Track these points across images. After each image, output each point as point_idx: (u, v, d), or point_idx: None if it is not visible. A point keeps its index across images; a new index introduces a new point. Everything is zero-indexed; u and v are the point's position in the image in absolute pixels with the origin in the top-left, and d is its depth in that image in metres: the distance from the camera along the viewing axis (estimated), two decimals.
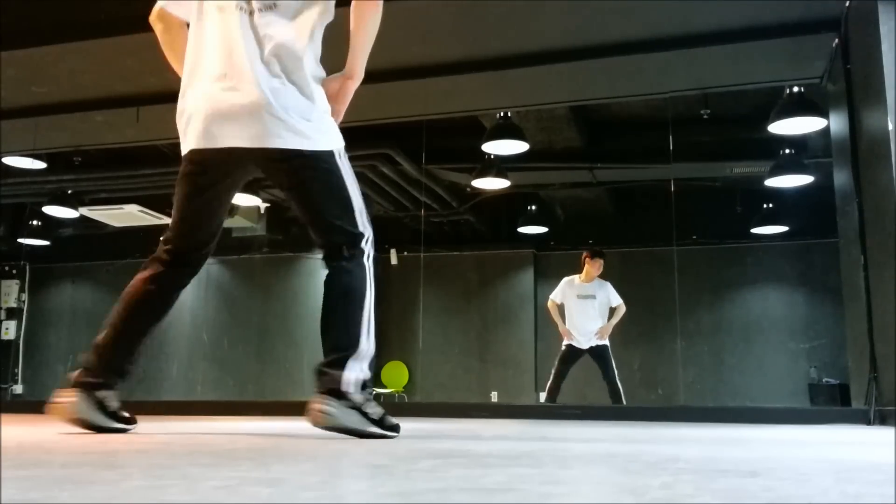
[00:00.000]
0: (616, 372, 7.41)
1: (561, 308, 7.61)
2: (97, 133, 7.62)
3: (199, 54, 2.55)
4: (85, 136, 7.74)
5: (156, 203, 9.54)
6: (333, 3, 2.60)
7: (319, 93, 2.55)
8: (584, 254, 7.63)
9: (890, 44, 4.37)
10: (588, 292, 7.56)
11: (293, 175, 2.56)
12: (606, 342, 7.48)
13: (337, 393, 2.37)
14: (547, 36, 5.85)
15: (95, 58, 6.10)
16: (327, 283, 2.57)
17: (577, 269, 7.73)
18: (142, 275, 2.65)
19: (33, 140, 7.60)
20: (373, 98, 6.25)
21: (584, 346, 7.45)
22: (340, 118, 2.63)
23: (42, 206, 9.29)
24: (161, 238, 2.68)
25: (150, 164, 8.45)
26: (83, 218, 9.66)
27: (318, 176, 2.54)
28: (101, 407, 2.51)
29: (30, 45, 5.95)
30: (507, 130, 7.31)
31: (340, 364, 2.43)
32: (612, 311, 7.54)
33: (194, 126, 2.51)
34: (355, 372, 2.44)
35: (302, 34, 2.50)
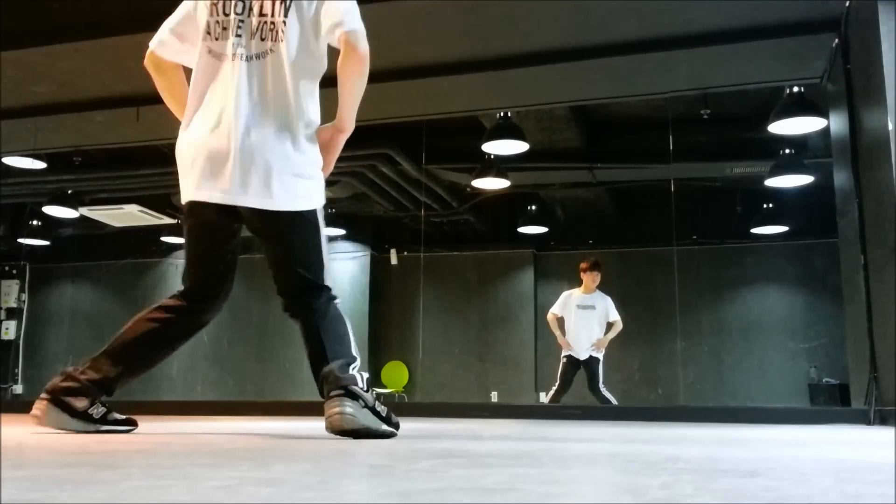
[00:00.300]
0: (602, 384, 7.40)
1: (561, 321, 7.61)
2: (97, 133, 7.62)
3: (196, 98, 2.57)
4: (85, 136, 7.74)
5: (156, 203, 9.55)
6: (326, 52, 2.62)
7: (313, 144, 2.58)
8: (582, 265, 7.62)
9: (890, 44, 4.37)
10: (588, 303, 7.55)
11: (277, 230, 2.59)
12: (600, 356, 7.47)
13: (352, 394, 2.40)
14: (547, 36, 5.85)
15: (95, 58, 6.10)
16: (306, 316, 2.60)
17: (577, 270, 7.73)
18: (148, 311, 2.68)
19: (33, 140, 7.60)
20: (373, 98, 6.24)
21: (583, 356, 7.45)
22: (330, 169, 2.67)
23: (42, 206, 9.29)
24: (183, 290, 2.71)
25: (150, 164, 8.45)
26: (83, 218, 9.66)
27: (301, 233, 2.59)
28: (71, 411, 2.51)
29: (30, 45, 5.95)
30: (506, 130, 7.31)
31: (344, 368, 2.47)
32: (610, 326, 7.51)
33: (192, 175, 2.53)
34: (357, 375, 2.48)
35: (298, 83, 2.52)
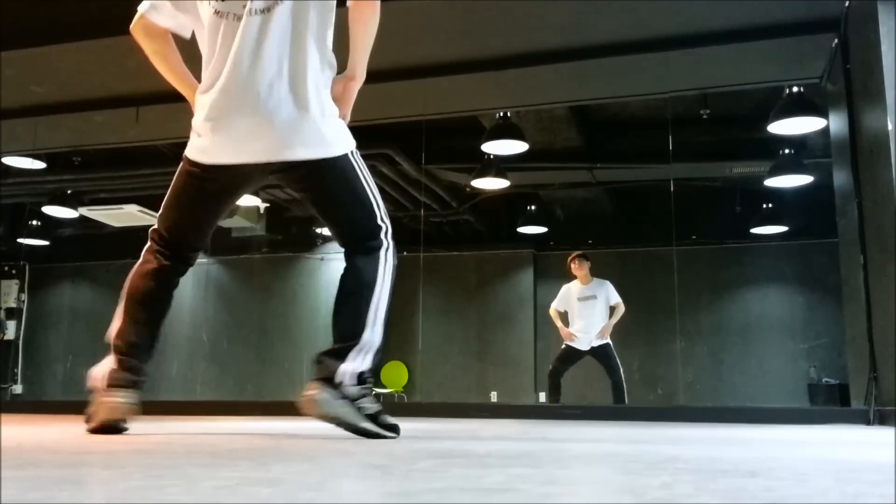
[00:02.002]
0: (621, 368, 7.43)
1: (564, 315, 7.66)
2: (97, 133, 7.62)
3: (210, 61, 2.53)
4: (85, 136, 7.74)
5: (156, 203, 9.49)
6: (334, 2, 2.60)
7: (328, 95, 2.55)
8: (569, 261, 7.68)
9: (889, 44, 4.37)
10: (588, 293, 7.59)
11: (313, 182, 2.58)
12: (607, 340, 7.51)
13: (330, 382, 2.37)
14: (547, 36, 5.85)
15: (95, 58, 6.11)
16: (341, 278, 2.58)
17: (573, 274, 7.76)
18: (142, 269, 2.67)
19: (33, 140, 7.60)
20: (373, 98, 6.24)
21: (585, 347, 7.48)
22: (347, 120, 2.64)
23: (41, 206, 9.29)
24: (153, 230, 2.69)
25: (149, 164, 8.45)
26: (83, 218, 9.66)
27: (337, 180, 2.57)
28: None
29: (30, 45, 5.95)
30: (506, 130, 7.31)
31: (340, 355, 2.42)
32: (612, 309, 7.57)
33: (208, 137, 2.50)
34: (354, 363, 2.41)
35: (309, 36, 2.49)
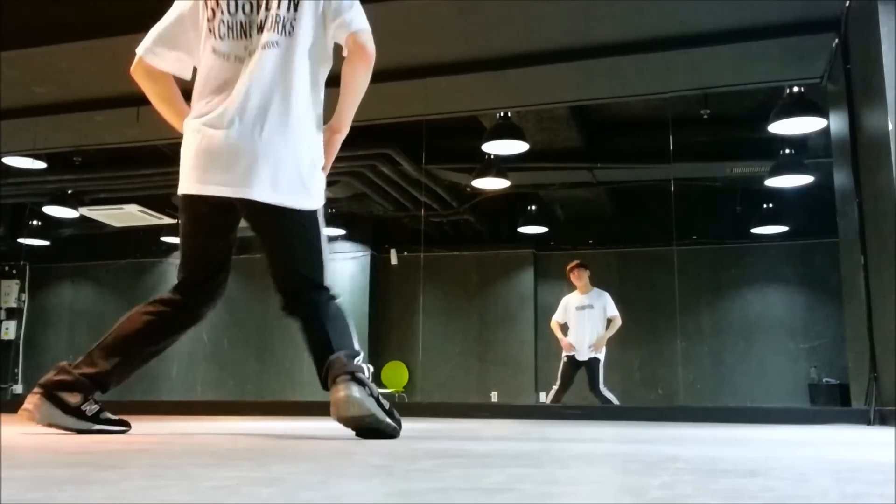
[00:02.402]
0: (602, 384, 7.44)
1: (564, 327, 7.70)
2: (97, 133, 7.62)
3: (201, 94, 2.55)
4: (85, 136, 7.74)
5: (155, 203, 9.54)
6: (332, 48, 2.61)
7: (318, 141, 2.57)
8: (567, 270, 7.71)
9: (890, 44, 4.37)
10: (586, 303, 7.62)
11: (279, 229, 2.57)
12: (599, 356, 7.50)
13: (359, 380, 2.37)
14: (547, 36, 5.85)
15: (95, 58, 6.10)
16: (306, 314, 2.58)
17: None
18: (155, 300, 2.68)
19: (33, 140, 7.60)
20: (373, 98, 6.25)
21: (583, 357, 7.49)
22: (328, 170, 2.64)
23: (42, 206, 9.29)
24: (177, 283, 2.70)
25: (150, 164, 8.45)
26: (83, 218, 9.66)
27: (303, 231, 2.56)
28: (64, 407, 2.51)
29: (30, 45, 5.95)
30: (506, 130, 7.31)
31: (352, 359, 2.44)
32: (609, 322, 7.56)
33: (200, 171, 2.51)
34: (367, 367, 2.46)
35: (306, 78, 2.51)
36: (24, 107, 6.95)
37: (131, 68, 2.66)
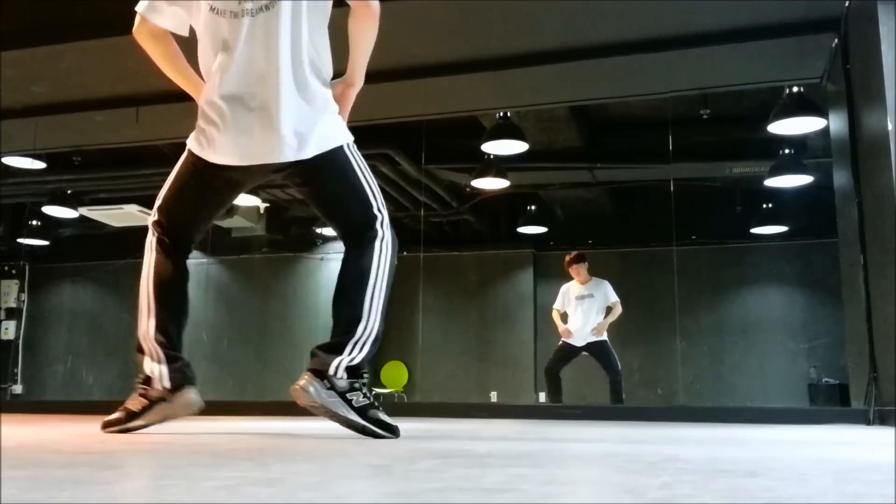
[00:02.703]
0: (619, 366, 7.48)
1: (565, 315, 7.75)
2: (97, 133, 7.62)
3: (208, 59, 2.55)
4: (85, 136, 7.74)
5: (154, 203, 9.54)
6: (330, 2, 2.60)
7: (329, 93, 2.58)
8: (566, 263, 7.76)
9: (889, 44, 4.37)
10: (586, 292, 7.68)
11: (312, 177, 2.59)
12: (604, 338, 7.55)
13: (320, 374, 2.41)
14: (547, 36, 5.85)
15: (95, 58, 6.10)
16: (340, 270, 2.60)
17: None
18: (159, 258, 2.68)
19: (33, 140, 7.60)
20: (372, 98, 6.22)
21: (580, 343, 7.55)
22: (345, 123, 2.66)
23: (42, 206, 9.29)
24: (154, 221, 2.69)
25: (149, 164, 8.45)
26: (83, 218, 9.66)
27: (336, 174, 2.59)
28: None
29: (30, 45, 5.95)
30: (506, 130, 7.31)
31: (334, 349, 2.45)
32: (609, 310, 7.63)
33: (214, 135, 2.51)
34: (348, 356, 2.45)
35: (308, 34, 2.49)
36: (24, 107, 6.95)
37: (133, 30, 2.63)
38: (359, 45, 2.56)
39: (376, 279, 2.53)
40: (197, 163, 2.58)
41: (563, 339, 7.66)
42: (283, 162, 2.49)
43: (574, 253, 7.81)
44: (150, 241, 2.69)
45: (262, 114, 2.45)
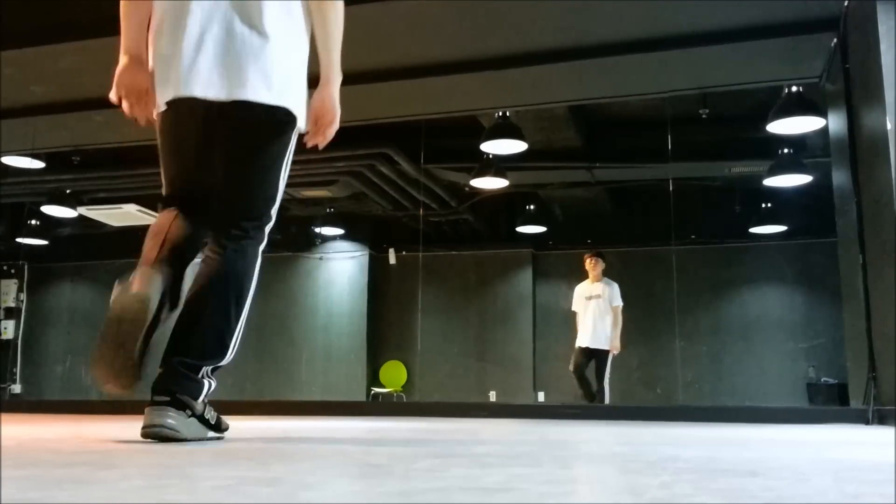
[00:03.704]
0: (608, 378, 7.56)
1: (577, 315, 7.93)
2: (96, 133, 7.62)
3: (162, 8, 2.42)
4: (84, 136, 7.74)
5: (154, 202, 9.53)
6: None
7: (299, 60, 2.38)
8: (585, 256, 7.89)
9: (888, 43, 4.38)
10: (594, 292, 7.84)
11: (256, 135, 2.33)
12: (607, 348, 7.63)
13: (179, 402, 2.12)
14: (546, 36, 5.85)
15: (95, 58, 6.09)
16: (215, 263, 2.31)
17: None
18: (166, 213, 2.48)
19: (32, 140, 7.59)
20: (372, 98, 6.24)
21: (591, 345, 7.63)
22: (336, 125, 2.45)
23: (41, 206, 9.30)
24: (163, 198, 2.52)
25: (148, 163, 8.34)
26: (82, 217, 9.66)
27: (272, 143, 2.35)
28: None
29: (30, 44, 5.95)
30: (505, 130, 7.32)
31: (199, 370, 2.21)
32: (614, 311, 7.73)
33: (169, 72, 2.36)
34: (211, 383, 2.27)
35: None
36: (23, 106, 6.95)
37: None
38: (323, 37, 2.37)
39: (248, 299, 2.40)
40: (162, 115, 2.49)
41: (578, 343, 7.78)
42: (242, 100, 2.28)
43: (594, 250, 8.00)
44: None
45: (222, 50, 2.31)
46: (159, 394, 2.12)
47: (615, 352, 7.71)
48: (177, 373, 2.15)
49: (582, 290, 7.94)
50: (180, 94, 2.32)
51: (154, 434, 2.06)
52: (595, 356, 7.69)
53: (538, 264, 10.40)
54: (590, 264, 7.87)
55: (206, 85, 2.28)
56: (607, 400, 7.52)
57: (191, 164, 2.47)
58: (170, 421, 2.07)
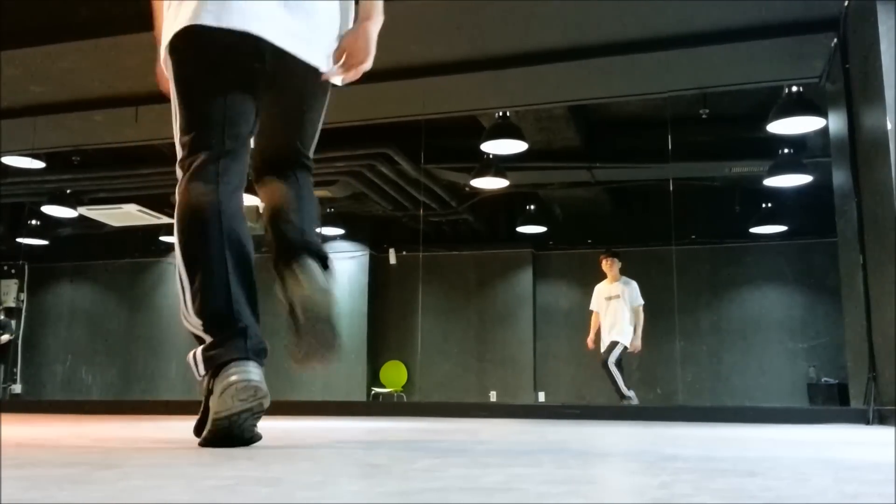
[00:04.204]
0: (612, 361, 7.54)
1: (597, 316, 7.95)
2: (96, 133, 7.63)
3: None
4: (84, 136, 7.74)
5: (154, 203, 9.55)
6: None
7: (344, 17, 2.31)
8: (600, 257, 7.91)
9: (888, 43, 4.38)
10: (613, 293, 7.86)
11: (303, 88, 2.26)
12: (619, 339, 7.63)
13: (323, 258, 2.29)
14: (546, 36, 5.85)
15: (95, 58, 6.10)
16: (290, 185, 2.33)
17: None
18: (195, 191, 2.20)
19: (32, 139, 7.60)
20: (372, 98, 6.25)
21: (612, 339, 7.72)
22: (366, 68, 2.31)
23: (41, 206, 9.30)
24: (181, 160, 2.20)
25: (148, 163, 8.45)
26: (82, 217, 9.67)
27: (322, 101, 2.33)
28: None
29: (30, 45, 5.95)
30: (505, 130, 7.32)
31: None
32: (635, 311, 7.73)
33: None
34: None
35: None
36: (24, 106, 6.96)
37: None
38: None
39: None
40: (196, 40, 2.14)
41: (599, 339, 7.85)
42: (288, 51, 2.17)
43: (609, 249, 8.01)
44: (184, 181, 2.14)
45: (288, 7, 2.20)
46: (314, 257, 2.21)
47: (635, 351, 7.70)
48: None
49: (601, 290, 7.95)
50: (249, 29, 2.10)
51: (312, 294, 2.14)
52: (612, 345, 7.73)
53: (538, 264, 10.40)
54: (606, 265, 7.90)
55: (285, 34, 2.15)
56: (620, 384, 7.52)
57: (247, 107, 2.20)
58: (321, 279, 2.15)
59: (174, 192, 2.15)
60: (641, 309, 7.74)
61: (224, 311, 2.06)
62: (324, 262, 2.19)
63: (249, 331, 2.10)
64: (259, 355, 2.11)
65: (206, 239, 2.09)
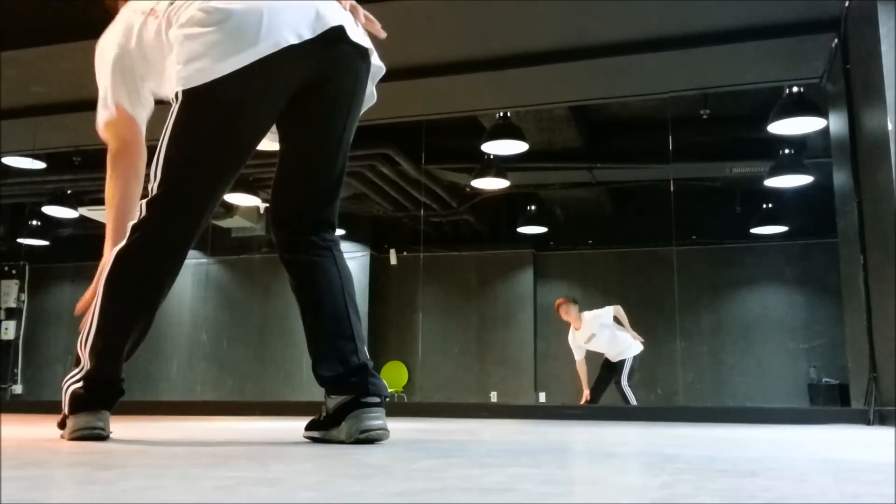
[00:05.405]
0: (625, 382, 7.54)
1: (583, 364, 7.84)
2: (96, 133, 7.62)
3: None
4: (84, 136, 7.73)
5: None
6: None
7: None
8: (555, 310, 7.84)
9: (889, 44, 4.38)
10: (587, 335, 7.71)
11: (349, 89, 2.10)
12: (624, 357, 7.62)
13: (384, 405, 2.12)
14: (546, 36, 5.85)
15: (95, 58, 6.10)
16: (327, 262, 2.17)
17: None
18: None
19: (33, 140, 7.60)
20: None
21: (611, 360, 7.71)
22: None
23: (41, 206, 9.30)
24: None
25: (149, 164, 8.44)
26: (82, 218, 9.66)
27: (359, 107, 2.17)
28: None
29: (30, 45, 5.95)
30: (506, 130, 7.32)
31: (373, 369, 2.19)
32: (618, 321, 7.65)
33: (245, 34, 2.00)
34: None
35: None
36: (24, 107, 6.96)
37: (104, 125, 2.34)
38: None
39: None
40: (222, 84, 2.02)
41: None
42: (345, 32, 2.08)
43: (560, 299, 7.82)
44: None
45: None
46: (370, 395, 2.03)
47: (640, 342, 7.63)
48: (373, 375, 2.08)
49: (575, 338, 7.74)
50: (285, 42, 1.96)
51: (379, 437, 2.01)
52: (615, 368, 7.67)
53: (539, 265, 10.40)
54: (563, 313, 7.71)
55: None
56: (632, 401, 7.48)
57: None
58: (385, 422, 2.03)
59: None
60: (619, 310, 7.64)
61: (113, 377, 2.08)
62: (384, 398, 2.06)
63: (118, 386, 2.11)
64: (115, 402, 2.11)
65: (149, 307, 2.07)
